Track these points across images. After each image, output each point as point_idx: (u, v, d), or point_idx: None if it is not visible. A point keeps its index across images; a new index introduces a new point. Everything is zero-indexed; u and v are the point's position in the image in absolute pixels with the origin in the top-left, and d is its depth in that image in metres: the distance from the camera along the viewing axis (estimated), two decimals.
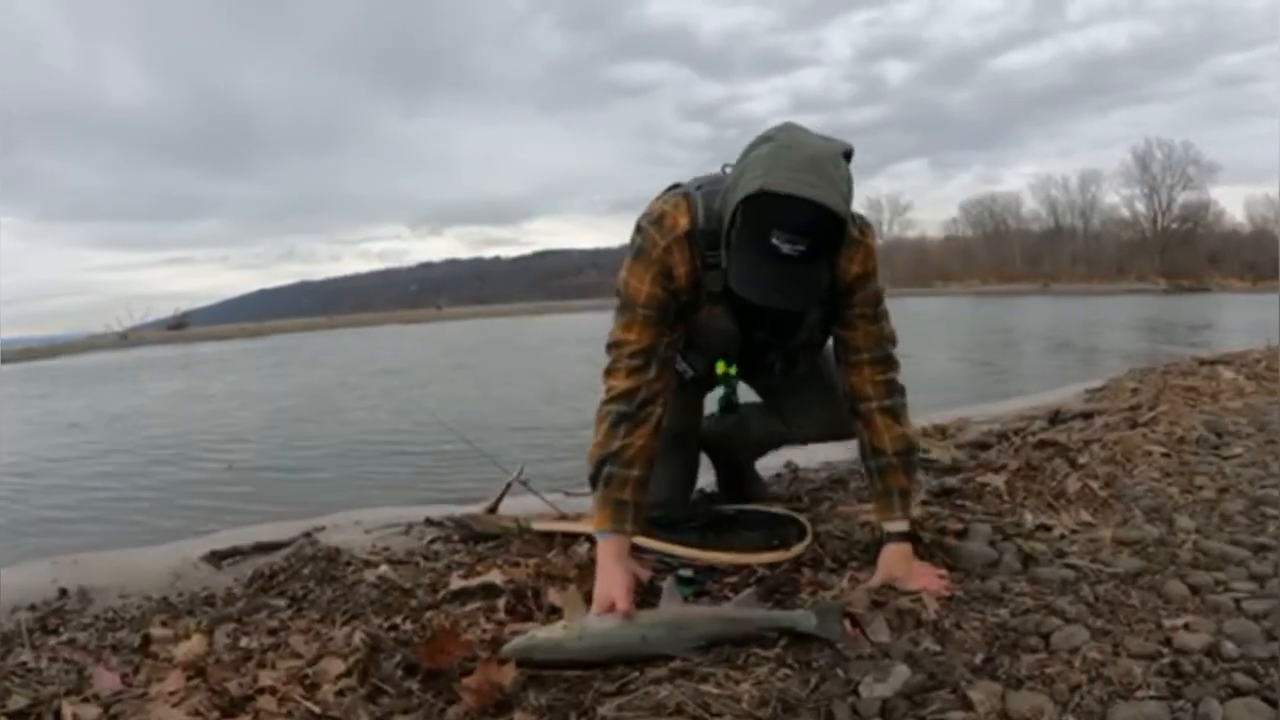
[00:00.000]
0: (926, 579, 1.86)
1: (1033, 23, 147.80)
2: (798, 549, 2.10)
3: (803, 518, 2.30)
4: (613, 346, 1.93)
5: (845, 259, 1.86)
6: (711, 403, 2.41)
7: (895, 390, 1.98)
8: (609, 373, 1.93)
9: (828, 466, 3.38)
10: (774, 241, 1.62)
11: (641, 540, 2.16)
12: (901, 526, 1.95)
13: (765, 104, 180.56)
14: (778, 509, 2.40)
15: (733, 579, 2.02)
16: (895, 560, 1.91)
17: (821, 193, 1.59)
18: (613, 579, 1.80)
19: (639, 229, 1.92)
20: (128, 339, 36.45)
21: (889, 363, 1.98)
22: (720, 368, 2.12)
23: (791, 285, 1.69)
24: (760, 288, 1.71)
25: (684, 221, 1.86)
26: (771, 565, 2.04)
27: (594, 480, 1.91)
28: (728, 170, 1.81)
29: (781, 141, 1.67)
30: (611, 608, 1.74)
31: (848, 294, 1.92)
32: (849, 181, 1.68)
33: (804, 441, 2.59)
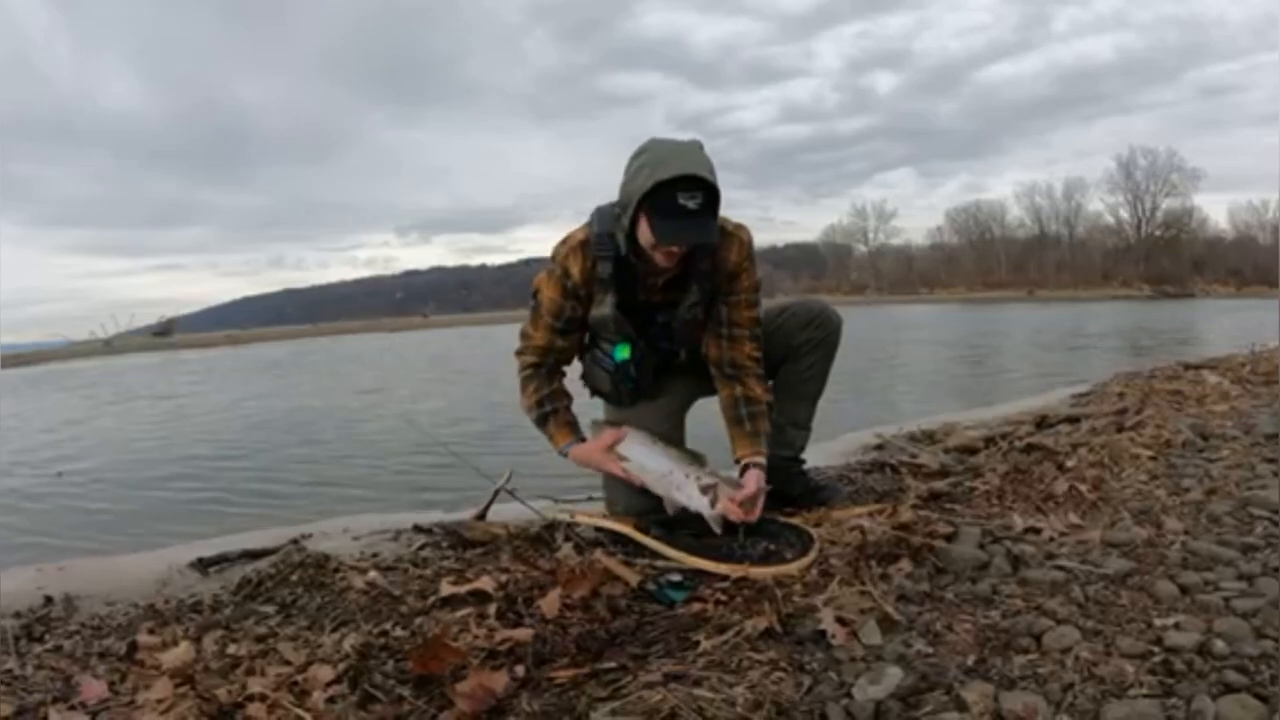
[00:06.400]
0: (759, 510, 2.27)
1: (1019, 35, 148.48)
2: (804, 562, 2.08)
3: (811, 529, 2.29)
4: (523, 336, 2.52)
5: (724, 249, 2.37)
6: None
7: (762, 363, 2.50)
8: (520, 353, 2.53)
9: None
10: (681, 201, 2.13)
11: (645, 539, 2.28)
12: (762, 460, 2.39)
13: (755, 114, 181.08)
14: (784, 519, 2.39)
15: (723, 583, 2.02)
16: (755, 480, 2.30)
17: (697, 168, 2.13)
18: (600, 458, 2.43)
19: (552, 252, 2.43)
20: (112, 346, 36.21)
21: (759, 340, 2.49)
22: (622, 352, 2.49)
23: (699, 227, 2.17)
24: (680, 232, 2.18)
25: (581, 234, 2.39)
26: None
27: (543, 419, 2.50)
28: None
29: (655, 148, 2.20)
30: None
31: (732, 279, 2.41)
32: (709, 159, 2.21)
33: None
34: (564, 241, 2.41)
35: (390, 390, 11.35)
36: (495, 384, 10.30)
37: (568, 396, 2.55)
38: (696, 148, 2.21)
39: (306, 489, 4.84)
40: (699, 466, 2.33)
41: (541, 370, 2.51)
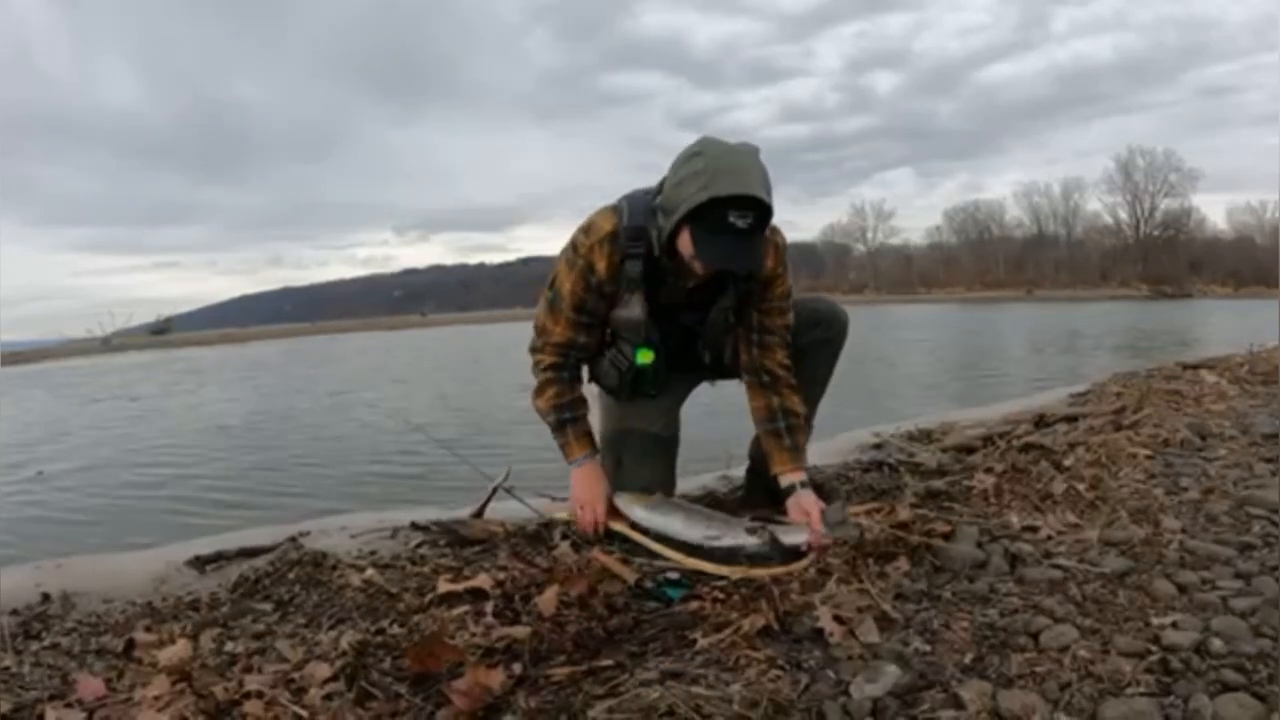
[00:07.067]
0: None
1: (1018, 35, 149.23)
2: (802, 563, 2.07)
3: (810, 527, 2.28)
4: (540, 331, 2.39)
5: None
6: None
7: (793, 370, 2.43)
8: (537, 350, 2.41)
9: (816, 470, 3.38)
10: (731, 220, 2.00)
11: (644, 539, 2.27)
12: (805, 477, 2.36)
13: (755, 113, 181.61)
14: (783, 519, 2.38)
15: (721, 582, 2.02)
16: (813, 503, 2.26)
17: (754, 186, 2.00)
18: (595, 493, 2.39)
19: (572, 238, 2.30)
20: (110, 344, 36.18)
21: (789, 347, 2.42)
22: (642, 357, 2.38)
23: (747, 251, 2.09)
24: (727, 255, 2.08)
25: (608, 225, 2.24)
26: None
27: (560, 425, 2.42)
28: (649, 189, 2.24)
29: (713, 154, 2.04)
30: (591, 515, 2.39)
31: (765, 285, 2.32)
32: (766, 171, 2.07)
33: None
34: (587, 230, 2.27)
35: (383, 388, 11.35)
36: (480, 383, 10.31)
37: (585, 405, 2.47)
38: (753, 156, 2.07)
39: (303, 486, 4.84)
40: (733, 518, 2.27)
41: (563, 373, 2.40)
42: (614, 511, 2.39)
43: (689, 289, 2.31)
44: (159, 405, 10.85)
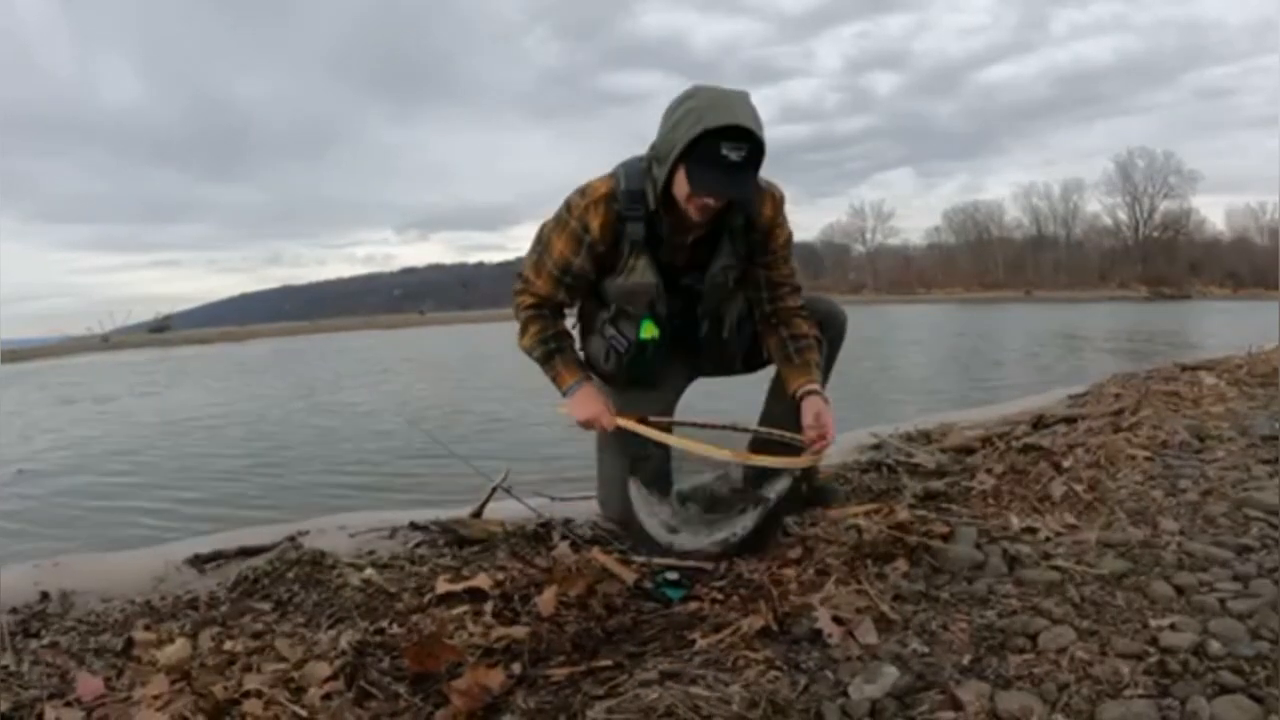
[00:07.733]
0: (831, 429, 2.30)
1: (1018, 36, 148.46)
2: (801, 460, 2.24)
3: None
4: (522, 278, 2.42)
5: (759, 204, 2.29)
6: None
7: (806, 310, 2.47)
8: (520, 294, 2.43)
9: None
10: (724, 152, 2.04)
11: (648, 431, 2.37)
12: (815, 385, 2.38)
13: None
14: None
15: (720, 583, 2.02)
16: (822, 407, 2.33)
17: (746, 118, 2.05)
18: (596, 405, 2.38)
19: (566, 200, 2.30)
20: (110, 342, 36.18)
21: (799, 291, 2.47)
22: (647, 331, 2.36)
23: (739, 180, 2.12)
24: (719, 184, 2.10)
25: (604, 188, 2.25)
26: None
27: (547, 356, 2.42)
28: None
29: (704, 95, 2.10)
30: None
31: (767, 235, 2.34)
32: (757, 112, 2.11)
33: None
34: (582, 192, 2.27)
35: (381, 388, 11.36)
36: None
37: (570, 337, 2.48)
38: (744, 97, 2.11)
39: (301, 485, 4.84)
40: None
41: (544, 311, 2.42)
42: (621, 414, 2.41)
43: (690, 245, 2.31)
44: (133, 406, 10.78)
